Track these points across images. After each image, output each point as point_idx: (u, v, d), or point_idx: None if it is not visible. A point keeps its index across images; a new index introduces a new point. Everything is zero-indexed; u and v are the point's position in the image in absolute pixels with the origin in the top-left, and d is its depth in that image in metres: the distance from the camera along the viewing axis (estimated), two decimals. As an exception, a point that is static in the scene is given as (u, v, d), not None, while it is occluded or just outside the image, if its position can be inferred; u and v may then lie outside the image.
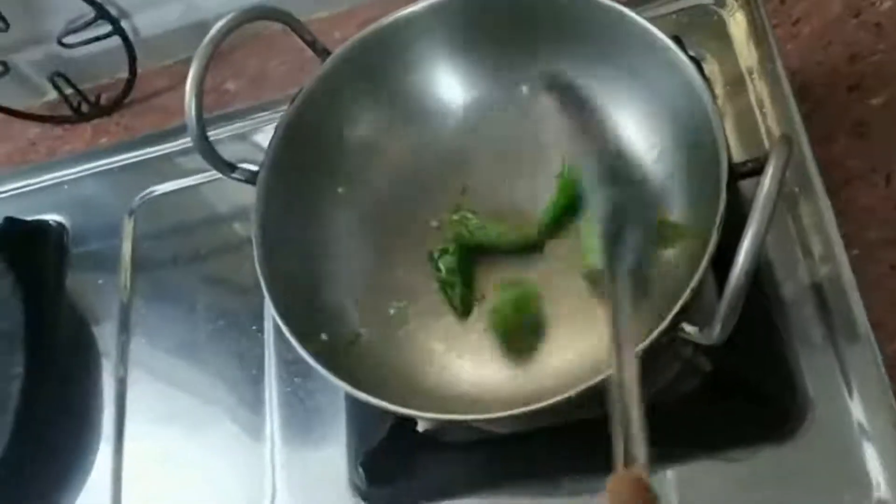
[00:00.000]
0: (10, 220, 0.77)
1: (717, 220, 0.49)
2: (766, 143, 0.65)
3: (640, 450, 0.40)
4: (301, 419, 0.67)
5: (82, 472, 0.71)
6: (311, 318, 0.58)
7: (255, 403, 0.68)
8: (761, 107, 0.66)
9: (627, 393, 0.41)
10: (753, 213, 0.44)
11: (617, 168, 0.51)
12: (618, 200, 0.48)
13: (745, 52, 0.68)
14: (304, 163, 0.63)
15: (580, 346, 0.58)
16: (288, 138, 0.61)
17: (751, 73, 0.67)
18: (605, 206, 0.48)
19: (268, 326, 0.70)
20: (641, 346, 0.47)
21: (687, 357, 0.59)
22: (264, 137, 0.78)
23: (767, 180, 0.44)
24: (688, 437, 0.58)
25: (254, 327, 0.70)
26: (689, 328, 0.49)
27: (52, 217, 0.81)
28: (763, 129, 0.66)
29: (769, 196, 0.44)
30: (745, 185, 0.53)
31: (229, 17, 0.58)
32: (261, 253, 0.58)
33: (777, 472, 0.56)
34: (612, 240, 0.47)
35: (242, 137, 0.78)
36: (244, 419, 0.69)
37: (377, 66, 0.63)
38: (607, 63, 0.60)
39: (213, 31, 0.57)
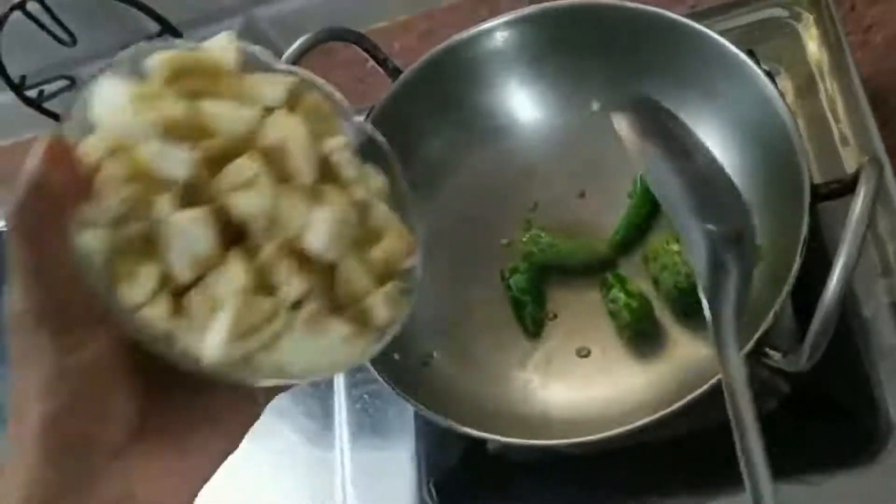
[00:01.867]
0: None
1: (801, 243, 0.49)
2: (842, 155, 0.64)
3: (767, 489, 0.41)
4: (370, 435, 0.67)
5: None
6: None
7: (325, 418, 0.69)
8: (836, 118, 0.65)
9: (748, 436, 0.42)
10: (845, 239, 0.43)
11: (713, 194, 0.49)
12: (719, 234, 0.46)
13: (819, 64, 0.66)
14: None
15: (648, 369, 0.57)
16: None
17: (825, 85, 0.66)
18: (704, 241, 0.46)
19: (336, 341, 0.70)
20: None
21: (763, 378, 0.58)
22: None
23: (858, 205, 0.43)
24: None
25: (322, 343, 0.71)
26: (772, 353, 0.48)
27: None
28: (838, 140, 0.64)
29: (860, 221, 0.43)
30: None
31: (304, 38, 0.58)
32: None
33: (859, 496, 0.55)
34: (715, 276, 0.45)
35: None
36: (313, 433, 0.69)
37: (448, 84, 0.63)
38: (681, 79, 0.59)
39: (287, 53, 0.57)
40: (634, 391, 0.57)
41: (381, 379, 0.54)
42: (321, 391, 0.69)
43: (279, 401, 0.69)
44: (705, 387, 0.49)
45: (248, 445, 0.69)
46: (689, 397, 0.49)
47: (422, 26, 0.89)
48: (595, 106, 0.64)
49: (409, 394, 0.54)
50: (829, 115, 0.65)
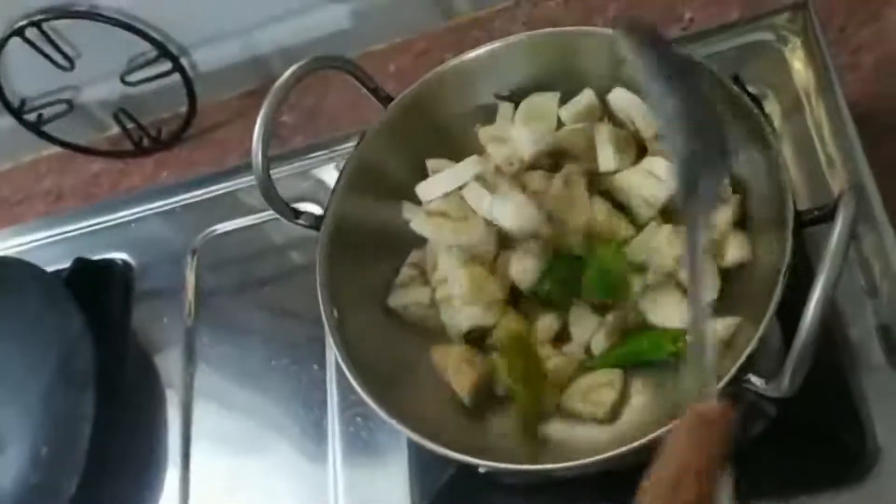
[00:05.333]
0: (79, 261, 0.79)
1: (783, 269, 0.49)
2: (828, 177, 0.64)
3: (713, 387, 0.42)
4: (363, 457, 0.67)
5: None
6: (375, 362, 0.59)
7: (318, 440, 0.69)
8: (822, 141, 0.65)
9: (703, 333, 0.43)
10: (823, 268, 0.43)
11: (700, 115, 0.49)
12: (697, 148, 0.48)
13: (806, 88, 0.67)
14: (368, 207, 0.63)
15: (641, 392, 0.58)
16: (351, 184, 0.62)
17: (812, 109, 0.66)
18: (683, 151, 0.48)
19: (329, 364, 0.71)
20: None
21: (751, 401, 0.58)
22: (323, 174, 0.80)
23: (836, 234, 0.44)
24: (753, 482, 0.57)
25: (315, 366, 0.72)
26: (755, 380, 0.48)
27: (117, 255, 0.83)
28: (824, 163, 0.65)
29: (839, 249, 0.44)
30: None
31: (295, 67, 0.59)
32: (325, 297, 0.58)
33: (847, 518, 0.55)
34: (690, 184, 0.47)
35: (301, 176, 0.79)
36: (307, 455, 0.69)
37: (439, 110, 0.64)
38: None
39: (279, 82, 0.58)
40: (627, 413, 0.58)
41: (372, 406, 0.55)
42: (315, 413, 0.70)
43: (275, 420, 0.71)
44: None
45: (244, 464, 0.71)
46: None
47: (418, 48, 0.91)
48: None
49: (401, 420, 0.54)
50: (815, 137, 0.65)
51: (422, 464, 0.64)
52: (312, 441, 0.69)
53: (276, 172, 0.77)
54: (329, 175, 0.79)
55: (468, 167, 0.61)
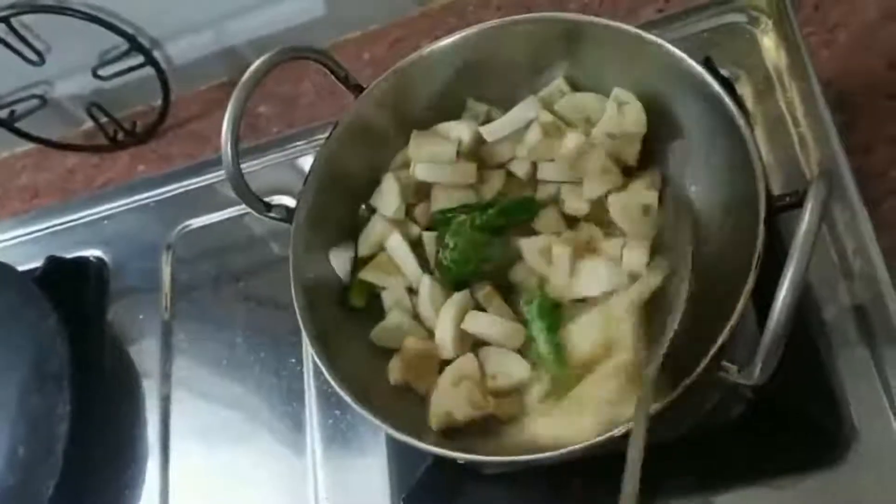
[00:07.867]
0: (52, 259, 0.78)
1: (756, 257, 0.49)
2: (802, 159, 0.64)
3: None
4: (342, 448, 0.67)
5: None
6: (351, 355, 0.59)
7: (297, 433, 0.69)
8: (795, 122, 0.65)
9: None
10: (791, 259, 0.43)
11: None
12: None
13: (778, 69, 0.67)
14: (339, 199, 0.63)
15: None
16: (322, 176, 0.61)
17: (784, 90, 0.66)
18: None
19: (307, 357, 0.71)
20: (675, 392, 0.48)
21: (729, 384, 0.58)
22: (298, 165, 0.79)
23: (806, 221, 0.43)
24: (732, 464, 0.58)
25: (293, 359, 0.71)
26: (728, 367, 0.48)
27: (92, 252, 0.82)
28: (798, 144, 0.64)
29: (807, 240, 0.43)
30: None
31: (265, 57, 0.58)
32: (299, 291, 0.58)
33: (823, 499, 0.55)
34: None
35: (278, 167, 0.79)
36: (287, 447, 0.69)
37: (407, 100, 0.63)
38: (639, 92, 0.59)
39: (245, 77, 0.57)
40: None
41: (348, 400, 0.54)
42: (294, 405, 0.70)
43: (254, 413, 0.71)
44: (672, 396, 0.49)
45: (223, 457, 0.70)
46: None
47: (392, 35, 0.90)
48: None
49: (375, 414, 0.54)
50: (788, 118, 0.65)
51: (400, 454, 0.64)
52: (291, 433, 0.69)
53: (252, 164, 0.78)
54: (306, 166, 0.78)
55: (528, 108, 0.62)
